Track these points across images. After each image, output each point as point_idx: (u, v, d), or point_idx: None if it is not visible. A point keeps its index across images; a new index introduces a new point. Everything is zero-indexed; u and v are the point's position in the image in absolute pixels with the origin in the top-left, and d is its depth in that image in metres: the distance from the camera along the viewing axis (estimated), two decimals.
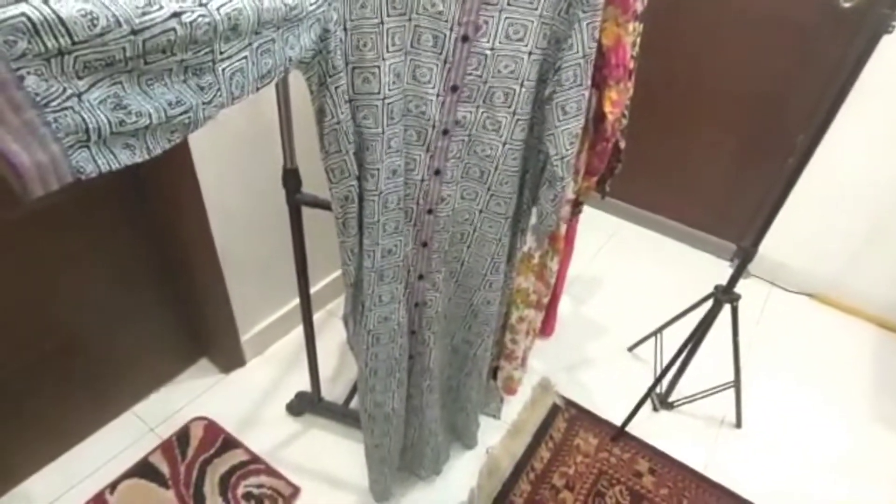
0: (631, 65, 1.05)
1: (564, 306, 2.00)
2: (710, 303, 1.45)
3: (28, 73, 0.41)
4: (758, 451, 1.62)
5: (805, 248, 2.15)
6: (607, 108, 1.04)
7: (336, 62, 0.71)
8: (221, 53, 0.55)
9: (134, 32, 0.46)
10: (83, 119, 0.46)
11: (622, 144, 1.17)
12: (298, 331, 1.77)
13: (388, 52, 0.74)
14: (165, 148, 0.55)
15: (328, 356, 1.76)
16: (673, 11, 1.96)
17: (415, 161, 0.86)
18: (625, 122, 1.13)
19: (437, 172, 0.88)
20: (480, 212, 0.95)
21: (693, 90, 2.13)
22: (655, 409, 1.70)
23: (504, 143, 0.86)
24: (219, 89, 0.56)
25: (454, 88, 0.80)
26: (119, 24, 0.45)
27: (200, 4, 0.50)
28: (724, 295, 1.38)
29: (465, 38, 0.76)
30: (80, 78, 0.45)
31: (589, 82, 0.82)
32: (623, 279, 2.22)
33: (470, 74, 0.79)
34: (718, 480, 1.52)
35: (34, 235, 1.16)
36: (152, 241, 1.41)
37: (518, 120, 0.83)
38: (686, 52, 2.06)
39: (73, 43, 0.43)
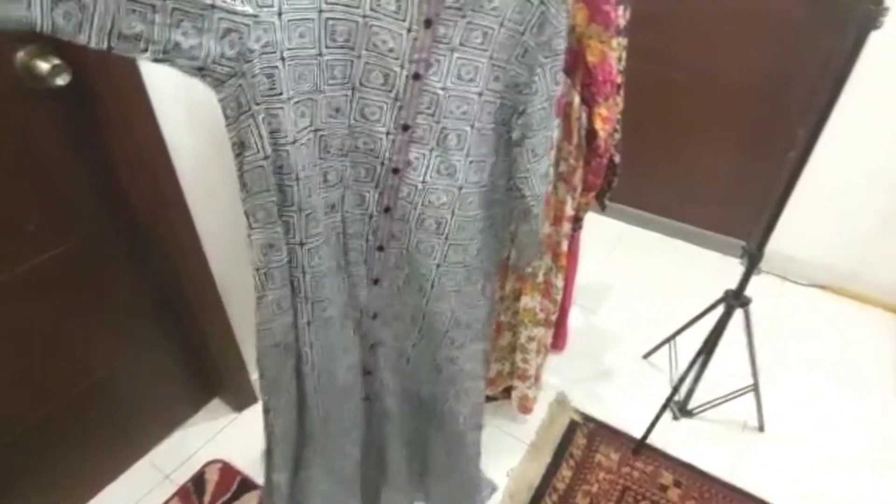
0: (618, 79, 1.04)
1: (574, 318, 1.97)
2: (722, 307, 1.43)
3: None
4: (783, 454, 1.59)
5: (815, 239, 2.11)
6: (598, 125, 1.03)
7: (264, 89, 0.67)
8: None
9: None
10: None
11: (617, 159, 1.15)
12: None
13: (327, 84, 0.72)
14: None
15: None
16: (663, 12, 1.94)
17: (363, 198, 0.84)
18: (617, 136, 1.11)
19: (387, 210, 0.86)
20: (438, 266, 0.91)
21: (688, 88, 2.11)
22: (675, 417, 1.67)
23: (460, 189, 0.84)
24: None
25: (405, 127, 0.78)
26: None
27: None
28: (735, 300, 1.36)
29: (416, 76, 0.74)
30: None
31: (556, 122, 0.81)
32: (632, 285, 2.19)
33: (422, 113, 0.77)
34: (745, 487, 1.48)
35: (36, 294, 1.16)
36: (154, 284, 1.40)
37: (472, 163, 0.82)
38: (679, 50, 2.04)
39: None
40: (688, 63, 2.06)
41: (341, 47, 0.70)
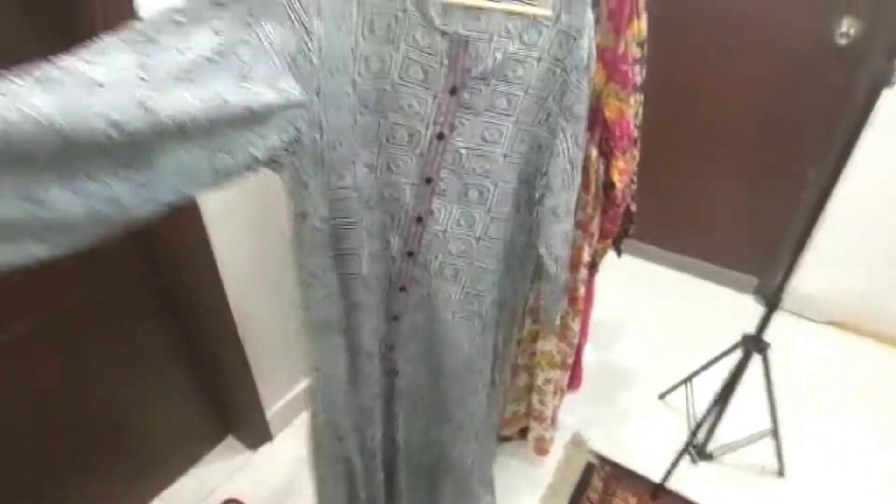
0: (635, 134, 1.06)
1: (589, 355, 1.97)
2: (739, 350, 1.43)
3: None
4: (804, 500, 1.56)
5: (829, 277, 2.11)
6: (615, 177, 1.05)
7: (313, 161, 0.71)
8: (164, 150, 0.53)
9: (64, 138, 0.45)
10: None
11: (633, 208, 1.17)
12: None
13: (360, 147, 0.75)
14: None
15: None
16: (672, 51, 1.98)
17: (388, 242, 0.86)
18: (634, 187, 1.13)
19: (411, 254, 0.88)
20: (454, 314, 0.93)
21: (698, 127, 2.15)
22: (693, 460, 1.65)
23: (478, 240, 0.86)
24: (155, 184, 0.54)
25: (428, 180, 0.80)
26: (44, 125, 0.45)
27: (145, 109, 0.49)
28: (754, 344, 1.36)
29: (440, 136, 0.76)
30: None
31: (577, 183, 0.83)
32: (646, 322, 2.19)
33: (445, 169, 0.79)
34: None
35: (58, 336, 1.18)
36: (170, 320, 1.42)
37: (493, 219, 0.84)
38: (688, 89, 2.08)
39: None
40: (699, 103, 2.09)
41: (371, 112, 0.73)
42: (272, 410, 1.69)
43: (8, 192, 0.46)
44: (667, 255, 2.47)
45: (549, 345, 1.38)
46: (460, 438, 1.09)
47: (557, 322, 1.35)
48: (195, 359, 1.52)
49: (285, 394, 1.73)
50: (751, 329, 1.42)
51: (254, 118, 0.60)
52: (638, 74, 1.00)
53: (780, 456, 1.60)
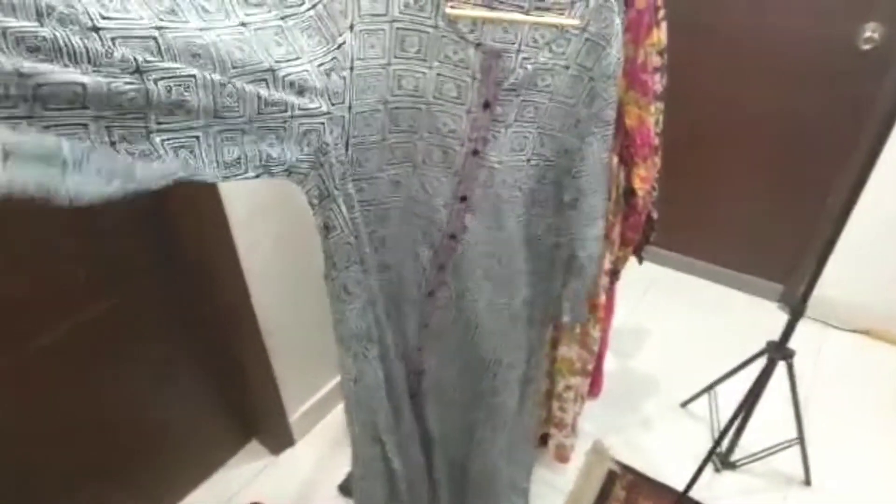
0: (656, 141, 1.06)
1: (609, 363, 1.96)
2: (763, 358, 1.41)
3: None
4: None
5: (855, 283, 2.07)
6: (637, 184, 1.06)
7: (339, 175, 0.70)
8: (158, 124, 0.50)
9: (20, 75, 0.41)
10: None
11: (655, 215, 1.17)
12: None
13: (387, 164, 0.76)
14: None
15: None
16: (693, 56, 1.98)
17: (417, 255, 0.87)
18: (655, 194, 1.14)
19: (441, 267, 0.89)
20: (483, 306, 0.94)
21: (720, 131, 2.13)
22: (717, 469, 1.63)
23: (508, 241, 0.87)
24: (161, 158, 0.51)
25: (463, 198, 0.81)
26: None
27: (133, 72, 0.46)
28: (778, 352, 1.34)
29: (475, 153, 0.77)
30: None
31: (606, 187, 0.84)
32: (667, 329, 2.17)
33: (479, 187, 0.81)
34: None
35: (84, 342, 1.21)
36: (195, 328, 1.45)
37: (520, 221, 0.86)
38: (711, 94, 2.07)
39: None
40: (719, 106, 2.08)
41: (403, 132, 0.74)
42: (295, 416, 1.71)
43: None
44: (688, 262, 2.45)
45: (569, 351, 1.38)
46: (495, 434, 1.11)
47: (578, 328, 1.35)
48: (219, 365, 1.54)
49: (307, 399, 1.75)
50: (774, 337, 1.40)
51: (262, 107, 0.57)
52: (658, 83, 1.01)
53: (806, 465, 1.58)
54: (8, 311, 1.06)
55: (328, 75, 0.63)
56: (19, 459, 1.17)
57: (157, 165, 0.51)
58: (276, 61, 0.56)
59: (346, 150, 0.70)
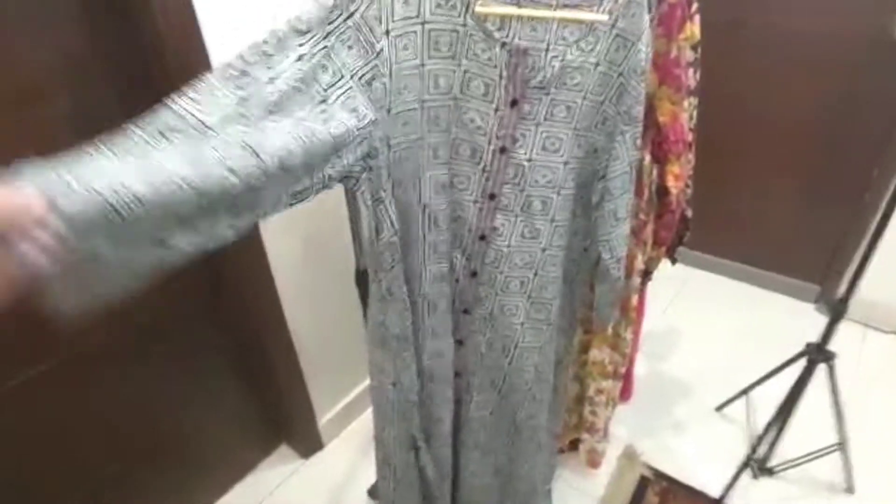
0: (689, 137, 1.04)
1: (640, 366, 1.92)
2: (802, 360, 1.37)
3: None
4: None
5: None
6: (670, 182, 1.03)
7: (385, 177, 0.72)
8: (265, 187, 0.56)
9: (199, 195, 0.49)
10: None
11: (689, 213, 1.15)
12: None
13: (430, 164, 0.77)
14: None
15: None
16: (724, 53, 1.94)
17: (452, 263, 0.87)
18: (689, 192, 1.11)
19: (474, 274, 0.88)
20: (522, 324, 0.93)
21: (753, 130, 2.08)
22: (755, 476, 1.58)
23: (544, 250, 0.86)
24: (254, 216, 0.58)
25: (492, 196, 0.81)
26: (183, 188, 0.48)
27: (251, 150, 0.53)
28: (818, 354, 1.30)
29: (502, 150, 0.77)
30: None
31: (633, 187, 0.82)
32: (699, 331, 2.12)
33: (507, 183, 0.80)
34: None
35: (116, 347, 1.23)
36: (226, 330, 1.46)
37: (556, 227, 0.84)
38: (743, 93, 2.02)
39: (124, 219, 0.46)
40: (752, 105, 2.03)
41: (440, 130, 0.75)
42: (324, 420, 1.72)
43: (144, 242, 0.50)
44: (720, 263, 2.40)
45: (600, 354, 1.36)
46: (529, 450, 1.09)
47: (609, 330, 1.33)
48: (251, 371, 1.56)
49: (337, 404, 1.76)
50: (811, 339, 1.36)
51: (335, 143, 0.62)
52: (692, 78, 0.99)
53: (848, 471, 1.52)
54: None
55: (370, 84, 0.64)
56: (61, 459, 1.20)
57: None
58: (325, 89, 0.60)
59: (389, 151, 0.71)
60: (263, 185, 0.55)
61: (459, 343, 0.95)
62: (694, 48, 0.97)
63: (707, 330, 2.12)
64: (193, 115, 0.53)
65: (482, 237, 0.84)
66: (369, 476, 1.61)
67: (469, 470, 1.12)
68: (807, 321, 2.15)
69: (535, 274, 0.88)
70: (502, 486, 1.16)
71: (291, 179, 0.59)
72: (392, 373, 0.91)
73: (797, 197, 2.11)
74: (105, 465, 1.29)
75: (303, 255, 1.43)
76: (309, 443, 1.72)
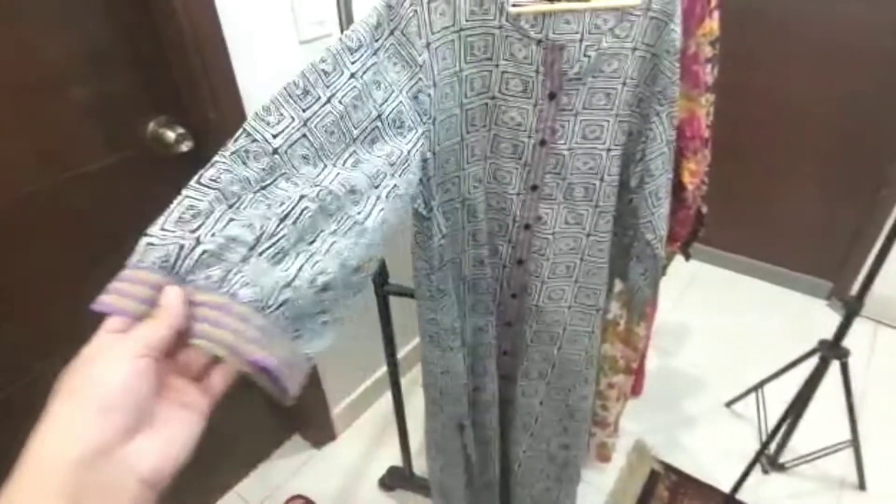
0: (706, 134, 1.04)
1: (651, 361, 1.93)
2: (814, 357, 1.36)
3: (237, 287, 0.44)
4: None
5: None
6: (686, 178, 1.03)
7: (435, 183, 0.74)
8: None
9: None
10: (298, 299, 0.49)
11: (704, 210, 1.15)
12: (386, 399, 1.80)
13: (467, 162, 0.78)
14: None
15: (417, 426, 1.78)
16: (742, 44, 1.92)
17: (497, 250, 0.89)
18: (705, 188, 1.11)
19: (521, 262, 0.90)
20: (570, 307, 0.94)
21: (767, 124, 2.06)
22: (765, 471, 1.59)
23: (588, 235, 0.87)
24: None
25: (534, 188, 0.82)
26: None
27: (317, 185, 0.54)
28: (832, 351, 1.30)
29: (542, 143, 0.78)
30: (282, 269, 0.48)
31: (672, 166, 0.83)
32: (710, 326, 2.12)
33: (549, 174, 0.81)
34: None
35: None
36: None
37: (601, 213, 0.84)
38: (758, 85, 2.01)
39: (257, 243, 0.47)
40: (767, 98, 2.02)
41: (478, 129, 0.76)
42: (336, 410, 1.74)
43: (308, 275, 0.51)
44: (730, 258, 2.39)
45: (612, 349, 1.37)
46: (582, 431, 1.12)
47: (622, 325, 1.34)
48: None
49: (349, 394, 1.78)
50: (823, 334, 1.36)
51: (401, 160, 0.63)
52: (709, 74, 0.98)
53: (860, 468, 1.52)
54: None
55: (416, 98, 0.65)
56: None
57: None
58: (380, 105, 0.61)
59: (434, 157, 0.73)
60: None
61: (508, 325, 0.98)
62: (712, 44, 0.97)
63: (717, 325, 2.12)
64: (266, 139, 0.53)
65: (526, 226, 0.85)
66: (381, 466, 1.64)
67: (520, 455, 1.14)
68: (818, 317, 2.15)
69: (581, 259, 0.89)
70: (556, 471, 1.18)
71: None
72: (441, 362, 0.94)
73: (810, 192, 2.10)
74: None
75: None
76: (322, 433, 1.75)
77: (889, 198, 1.90)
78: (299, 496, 1.59)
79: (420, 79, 0.64)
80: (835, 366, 1.34)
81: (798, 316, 2.15)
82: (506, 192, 0.82)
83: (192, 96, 1.08)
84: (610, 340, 1.36)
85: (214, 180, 0.48)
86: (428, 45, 0.65)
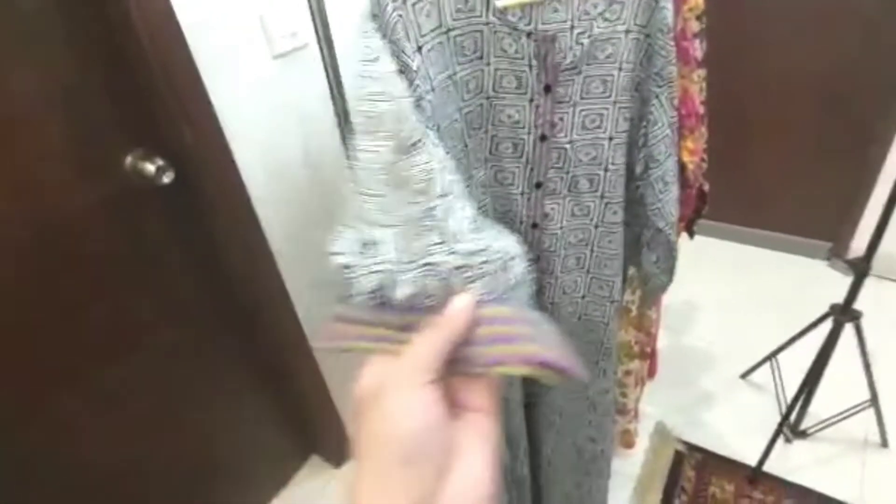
0: (701, 110, 1.02)
1: (661, 341, 1.91)
2: (827, 322, 1.36)
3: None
4: None
5: None
6: (685, 157, 1.02)
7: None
8: None
9: None
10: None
11: (706, 187, 1.13)
12: None
13: (473, 168, 0.76)
14: None
15: None
16: (722, 13, 1.90)
17: None
18: (705, 166, 1.09)
19: (532, 262, 0.88)
20: (583, 297, 0.93)
21: (758, 90, 2.05)
22: (788, 440, 1.58)
23: (596, 227, 0.85)
24: None
25: (538, 185, 0.80)
26: None
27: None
28: (844, 315, 1.29)
29: (542, 138, 0.76)
30: None
31: (676, 149, 0.80)
32: (716, 299, 2.11)
33: (552, 169, 0.79)
34: None
35: (152, 373, 1.23)
36: (250, 353, 1.46)
37: (608, 203, 0.82)
38: (747, 51, 1.99)
39: None
40: (757, 64, 2.01)
41: (477, 131, 0.74)
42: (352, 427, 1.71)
43: None
44: (728, 228, 2.38)
45: (625, 335, 1.35)
46: (606, 424, 1.11)
47: (634, 311, 1.32)
48: (276, 386, 1.55)
49: None
50: (828, 295, 1.35)
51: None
52: (699, 49, 0.96)
53: (881, 426, 1.52)
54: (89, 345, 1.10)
55: (419, 106, 0.62)
56: (97, 483, 1.20)
57: None
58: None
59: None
60: None
61: None
62: (699, 18, 0.95)
63: (722, 297, 2.12)
64: None
65: (534, 225, 0.83)
66: None
67: (549, 453, 1.12)
68: (821, 278, 2.14)
69: (592, 250, 0.87)
70: (585, 465, 1.17)
71: None
72: None
73: (801, 157, 2.09)
74: (137, 487, 1.28)
75: (315, 266, 1.41)
76: (339, 452, 1.72)
77: (879, 154, 1.90)
78: None
79: (418, 85, 0.62)
80: (846, 328, 1.33)
81: (801, 279, 2.15)
82: (510, 193, 0.80)
83: (166, 122, 1.05)
84: (623, 327, 1.34)
85: None
86: (419, 48, 0.62)
